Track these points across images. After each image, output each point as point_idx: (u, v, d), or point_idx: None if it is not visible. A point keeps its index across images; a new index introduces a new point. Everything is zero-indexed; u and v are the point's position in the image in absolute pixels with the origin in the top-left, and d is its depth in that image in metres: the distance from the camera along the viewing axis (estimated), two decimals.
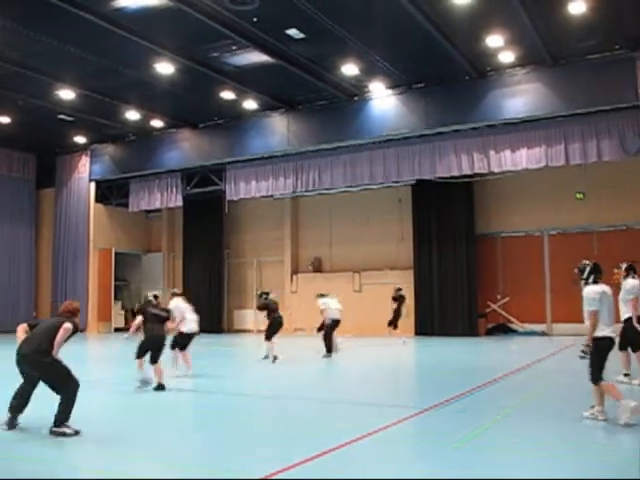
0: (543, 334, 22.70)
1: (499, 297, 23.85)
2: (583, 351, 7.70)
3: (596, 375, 7.67)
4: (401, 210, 25.55)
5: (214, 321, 27.68)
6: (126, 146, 27.43)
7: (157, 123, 24.93)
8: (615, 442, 7.19)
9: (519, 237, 24.11)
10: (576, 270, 8.21)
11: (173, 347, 13.03)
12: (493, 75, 19.98)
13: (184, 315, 12.96)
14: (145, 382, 10.94)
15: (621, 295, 10.48)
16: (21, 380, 7.61)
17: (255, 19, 15.99)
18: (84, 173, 28.32)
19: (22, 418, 7.62)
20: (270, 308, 15.77)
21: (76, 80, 20.39)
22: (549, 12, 15.94)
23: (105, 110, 23.12)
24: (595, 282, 7.92)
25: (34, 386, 7.59)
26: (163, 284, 30.07)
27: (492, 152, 20.38)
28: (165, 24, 16.40)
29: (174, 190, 26.70)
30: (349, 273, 26.23)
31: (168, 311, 11.78)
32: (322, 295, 16.81)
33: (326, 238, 27.32)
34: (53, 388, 7.48)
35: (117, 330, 28.30)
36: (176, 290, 14.49)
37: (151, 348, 10.95)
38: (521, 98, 19.63)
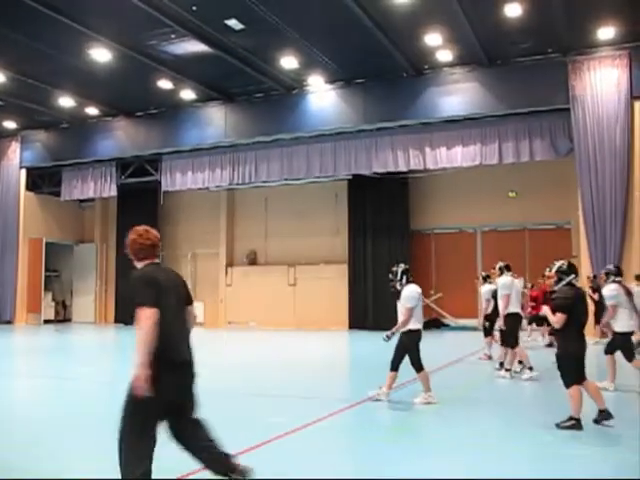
0: (475, 329, 23.11)
1: (432, 292, 24.16)
2: (387, 336, 8.84)
3: (396, 364, 8.88)
4: (337, 205, 25.64)
5: None
6: (59, 133, 26.78)
7: (92, 111, 24.41)
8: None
9: (453, 233, 24.48)
10: (390, 275, 9.18)
11: None
12: (431, 73, 20.24)
13: None
14: None
15: (498, 292, 11.36)
16: None
17: (194, 8, 15.80)
18: (14, 160, 27.52)
19: None
20: None
21: (7, 63, 19.76)
22: (486, 13, 16.24)
23: (37, 95, 22.49)
24: (408, 282, 9.04)
25: None
26: (95, 275, 29.54)
27: (428, 149, 20.66)
28: (102, 10, 16.06)
29: (108, 179, 26.23)
30: (284, 267, 26.22)
31: None
32: None
33: (262, 231, 27.24)
34: None
35: (47, 322, 27.68)
36: None
37: None
38: (457, 97, 19.96)
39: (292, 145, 22.59)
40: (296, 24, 16.80)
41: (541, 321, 16.74)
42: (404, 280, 9.06)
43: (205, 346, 15.11)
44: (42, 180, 28.09)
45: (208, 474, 5.43)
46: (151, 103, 23.75)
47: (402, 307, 8.87)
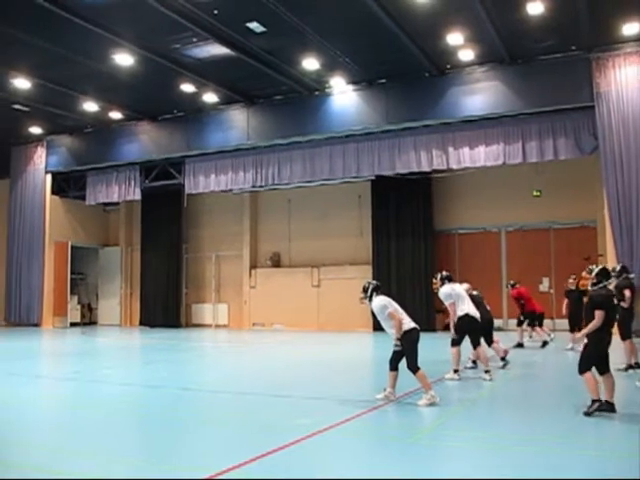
0: (499, 329, 22.95)
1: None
2: (396, 345, 9.28)
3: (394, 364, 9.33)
4: (360, 205, 25.62)
5: (172, 316, 27.48)
6: (83, 138, 27.03)
7: (116, 115, 24.60)
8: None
9: (477, 233, 24.35)
10: (362, 293, 9.78)
11: None
12: (453, 73, 20.15)
13: None
14: None
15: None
16: None
17: (216, 11, 15.87)
18: (40, 164, 27.83)
19: None
20: None
21: (32, 69, 19.99)
22: (508, 12, 16.14)
23: (62, 101, 22.73)
24: (378, 295, 9.59)
25: None
26: (120, 278, 29.76)
27: (451, 149, 20.57)
28: (125, 15, 16.19)
29: (132, 183, 26.41)
30: (308, 268, 26.23)
31: None
32: None
33: (285, 233, 27.28)
34: None
35: (73, 325, 27.94)
36: None
37: None
38: (480, 96, 19.86)
39: (314, 147, 22.60)
40: (317, 25, 16.81)
41: (534, 321, 17.02)
42: (374, 295, 9.60)
43: (231, 348, 15.17)
44: (67, 184, 28.36)
45: (238, 474, 5.46)
46: (174, 107, 23.89)
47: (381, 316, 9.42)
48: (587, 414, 7.85)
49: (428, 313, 23.42)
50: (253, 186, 24.33)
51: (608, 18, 16.73)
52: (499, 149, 19.99)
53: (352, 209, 25.86)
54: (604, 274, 8.30)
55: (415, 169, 21.37)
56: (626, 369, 11.61)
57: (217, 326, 27.67)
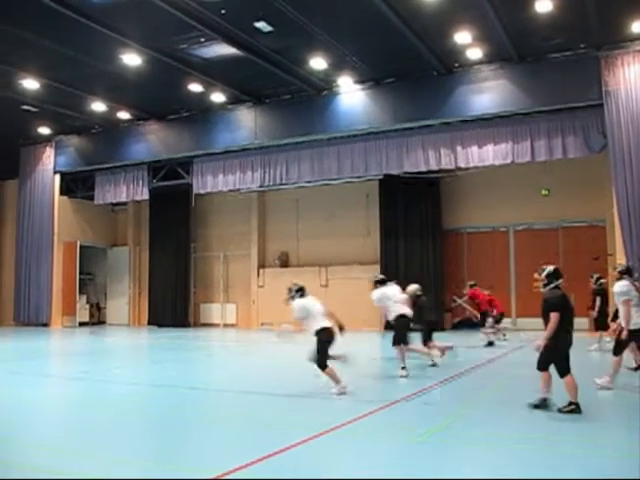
0: (506, 328, 22.89)
1: (465, 292, 23.99)
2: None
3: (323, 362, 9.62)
4: (368, 205, 25.59)
5: (180, 315, 27.52)
6: (92, 138, 27.09)
7: (123, 115, 24.65)
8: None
9: (485, 232, 24.30)
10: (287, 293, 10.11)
11: None
12: (461, 71, 20.09)
13: None
14: None
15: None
16: None
17: (223, 11, 15.87)
18: (48, 165, 27.92)
19: None
20: None
21: (40, 70, 20.05)
22: (516, 10, 16.07)
23: (70, 101, 22.78)
24: (302, 297, 10.08)
25: None
26: (129, 278, 29.81)
27: (459, 148, 20.51)
28: (132, 15, 16.20)
29: (140, 183, 26.44)
30: (316, 268, 26.21)
31: None
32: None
33: (293, 232, 27.28)
34: None
35: (82, 324, 28.01)
36: None
37: None
38: (488, 94, 19.79)
39: (322, 146, 22.58)
40: (324, 25, 16.79)
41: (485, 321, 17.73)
42: (297, 296, 10.15)
43: (239, 347, 15.17)
44: (76, 184, 28.42)
45: (244, 474, 5.45)
46: (182, 106, 23.91)
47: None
48: (535, 406, 8.17)
49: (436, 312, 23.34)
50: (261, 186, 24.33)
51: (617, 16, 16.64)
52: (507, 148, 19.91)
53: (360, 208, 25.84)
54: (554, 275, 8.30)
55: (423, 168, 21.31)
56: (636, 369, 11.53)
57: (225, 326, 27.69)
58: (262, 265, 27.65)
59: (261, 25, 16.73)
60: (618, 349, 9.91)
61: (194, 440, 7.09)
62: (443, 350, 13.56)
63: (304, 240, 27.07)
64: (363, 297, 24.57)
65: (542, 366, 8.17)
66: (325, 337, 9.81)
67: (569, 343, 8.12)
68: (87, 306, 29.76)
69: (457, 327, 23.85)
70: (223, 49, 18.29)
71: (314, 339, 9.75)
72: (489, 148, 20.15)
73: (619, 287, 9.80)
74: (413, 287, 13.97)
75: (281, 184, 24.10)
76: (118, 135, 26.12)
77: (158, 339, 22.43)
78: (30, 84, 20.92)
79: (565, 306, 8.09)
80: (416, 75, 20.37)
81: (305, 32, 17.01)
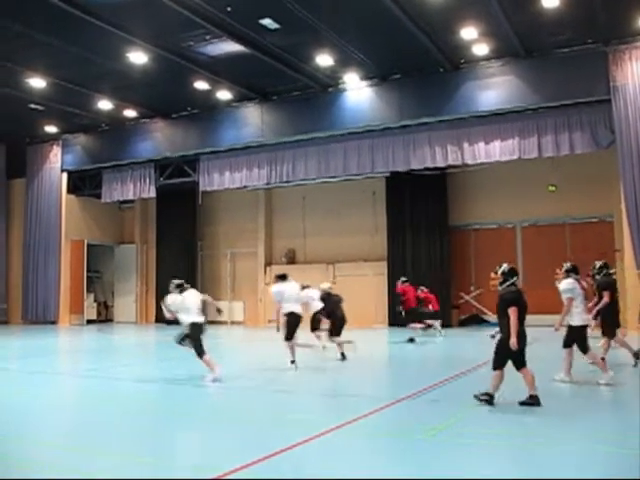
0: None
1: (472, 288, 23.98)
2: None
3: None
4: (375, 202, 25.57)
5: None
6: (98, 136, 27.14)
7: (130, 113, 24.68)
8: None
9: (492, 229, 24.24)
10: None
11: None
12: (467, 67, 20.05)
13: None
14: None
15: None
16: None
17: (229, 8, 15.87)
18: (55, 163, 27.98)
19: None
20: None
21: (47, 68, 20.09)
22: (523, 5, 16.03)
23: (77, 99, 22.83)
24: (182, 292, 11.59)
25: None
26: (136, 276, 29.85)
27: (466, 144, 20.46)
28: (138, 13, 16.23)
29: (147, 181, 26.47)
30: (323, 265, 26.20)
31: None
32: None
33: (300, 230, 27.27)
34: None
35: (89, 322, 28.08)
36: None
37: None
38: (495, 90, 19.73)
39: (329, 143, 22.55)
40: (331, 22, 16.77)
41: (416, 317, 18.44)
42: (177, 291, 11.95)
43: (250, 345, 15.17)
44: (83, 183, 28.48)
45: (246, 474, 5.43)
46: (188, 104, 23.94)
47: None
48: (521, 403, 8.30)
49: (444, 309, 23.35)
50: (268, 183, 24.34)
51: (625, 10, 16.57)
52: (514, 144, 19.86)
53: (367, 206, 25.82)
54: (509, 273, 8.52)
55: (430, 165, 21.28)
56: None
57: (232, 323, 27.70)
58: (269, 262, 27.66)
59: (267, 22, 16.73)
60: (567, 342, 10.15)
61: (197, 438, 7.09)
62: (341, 344, 14.20)
63: (311, 237, 27.07)
64: (371, 294, 24.67)
65: (499, 365, 8.33)
66: (293, 319, 11.98)
67: (525, 338, 8.28)
68: (95, 304, 29.84)
69: (464, 324, 23.84)
70: (229, 46, 18.30)
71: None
72: (496, 144, 20.10)
73: (565, 284, 10.14)
74: (325, 285, 15.23)
75: (288, 181, 24.11)
76: (125, 133, 26.16)
77: (166, 337, 22.44)
78: (37, 83, 20.98)
79: (520, 302, 8.28)
80: (422, 71, 20.34)
81: (311, 29, 17.00)
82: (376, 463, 6.10)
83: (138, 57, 18.78)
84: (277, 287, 12.89)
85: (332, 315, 14.40)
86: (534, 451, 6.32)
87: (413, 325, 18.30)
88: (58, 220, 27.67)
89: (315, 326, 15.58)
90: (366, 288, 24.80)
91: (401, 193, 24.53)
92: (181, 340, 11.76)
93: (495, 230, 24.18)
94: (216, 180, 24.90)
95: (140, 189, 26.65)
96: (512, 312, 8.14)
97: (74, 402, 9.75)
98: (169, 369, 13.10)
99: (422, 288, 19.55)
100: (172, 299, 11.94)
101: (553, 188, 22.42)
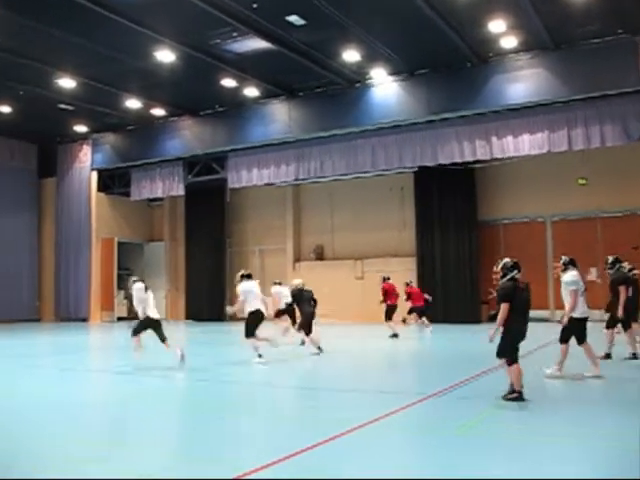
0: (546, 320, 22.64)
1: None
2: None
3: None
4: (403, 197, 25.50)
5: (216, 309, 27.69)
6: (127, 135, 27.37)
7: (158, 111, 24.84)
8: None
9: (521, 223, 24.06)
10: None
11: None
12: (495, 61, 19.85)
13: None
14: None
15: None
16: None
17: (255, 5, 15.89)
18: (85, 162, 28.29)
19: None
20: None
21: (76, 69, 20.31)
22: None
23: (106, 99, 23.04)
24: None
25: None
26: (166, 273, 30.06)
27: (494, 138, 20.30)
28: (165, 12, 16.33)
29: (176, 179, 26.64)
30: (351, 261, 26.20)
31: None
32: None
33: (328, 226, 27.28)
34: None
35: (120, 319, 28.34)
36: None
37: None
38: (523, 83, 19.52)
39: (356, 139, 22.49)
40: (357, 17, 16.71)
41: (390, 314, 18.90)
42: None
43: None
44: (112, 181, 28.78)
45: (267, 474, 5.43)
46: (216, 102, 24.03)
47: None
48: (505, 398, 8.26)
49: (473, 305, 23.27)
50: (296, 179, 24.37)
51: None
52: (544, 137, 19.64)
53: (395, 201, 25.75)
54: (510, 267, 8.51)
55: (458, 160, 21.14)
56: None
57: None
58: (297, 259, 27.71)
59: (293, 19, 16.73)
60: (564, 337, 10.12)
61: (220, 435, 7.08)
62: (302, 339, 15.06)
63: (339, 233, 27.07)
64: (399, 290, 24.56)
65: (508, 358, 8.30)
66: (255, 317, 12.58)
67: (522, 333, 8.34)
68: (125, 301, 30.05)
69: (493, 319, 23.62)
70: (256, 43, 18.32)
71: None
72: (525, 138, 19.91)
73: (569, 277, 10.12)
74: (296, 281, 15.73)
75: (315, 177, 24.11)
76: (153, 131, 26.34)
77: (196, 333, 22.61)
78: (66, 83, 21.20)
79: (517, 297, 8.27)
80: (450, 66, 20.19)
81: (337, 25, 16.96)
82: (407, 461, 6.08)
83: (165, 56, 18.89)
84: (244, 286, 13.15)
85: (301, 310, 15.04)
86: (566, 448, 6.26)
87: (389, 323, 18.67)
88: (88, 218, 27.99)
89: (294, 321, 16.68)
90: (395, 284, 24.69)
91: (429, 188, 24.43)
92: (134, 332, 13.09)
93: (525, 225, 23.99)
94: (244, 177, 24.97)
95: (169, 187, 26.83)
96: (503, 307, 8.21)
97: (105, 399, 9.83)
98: (199, 365, 13.16)
99: (408, 282, 20.76)
100: (242, 287, 12.93)
101: (583, 181, 22.17)
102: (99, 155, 28.09)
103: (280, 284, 17.72)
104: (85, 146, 28.30)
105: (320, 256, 27.35)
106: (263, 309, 13.01)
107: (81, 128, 27.08)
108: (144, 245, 30.92)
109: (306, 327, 14.48)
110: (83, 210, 28.15)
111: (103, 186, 28.69)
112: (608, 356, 12.08)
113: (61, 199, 29.02)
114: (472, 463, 5.78)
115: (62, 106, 23.81)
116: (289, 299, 16.30)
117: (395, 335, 18.27)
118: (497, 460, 5.92)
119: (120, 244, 28.85)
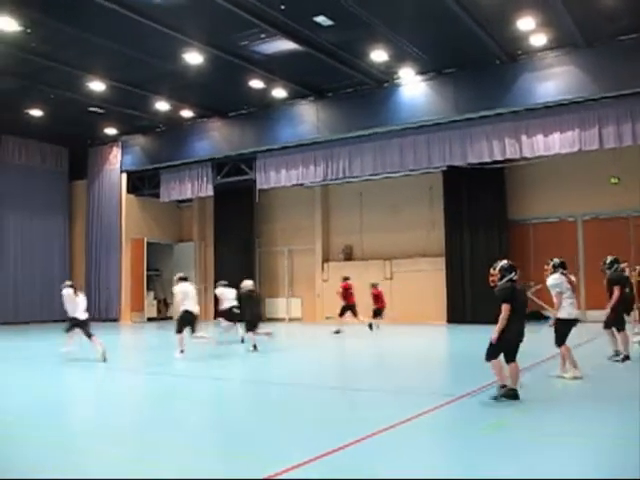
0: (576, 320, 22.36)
1: (532, 284, 23.54)
2: None
3: None
4: (432, 197, 25.39)
5: None
6: (156, 137, 27.58)
7: (187, 113, 24.99)
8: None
9: (552, 223, 23.81)
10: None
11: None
12: (524, 59, 19.66)
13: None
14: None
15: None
16: None
17: (282, 6, 15.91)
18: (115, 164, 28.57)
19: None
20: None
21: (106, 72, 20.52)
22: None
23: (135, 101, 23.24)
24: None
25: None
26: (195, 273, 30.23)
27: (524, 137, 20.11)
28: (193, 14, 16.41)
29: (205, 180, 26.78)
30: (380, 261, 26.14)
31: None
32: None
33: (357, 226, 27.26)
34: None
35: (150, 320, 28.56)
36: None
37: None
38: (553, 81, 19.30)
39: (385, 139, 22.43)
40: (384, 16, 16.65)
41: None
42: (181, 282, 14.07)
43: (304, 341, 15.24)
44: (142, 183, 29.02)
45: (298, 473, 5.42)
46: (244, 103, 24.10)
47: None
48: (495, 399, 8.36)
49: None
50: (324, 180, 24.37)
51: None
52: (574, 135, 19.41)
53: (423, 201, 25.65)
54: (507, 269, 8.62)
55: (487, 159, 20.98)
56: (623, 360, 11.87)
57: (290, 320, 27.85)
58: (326, 259, 27.72)
59: (321, 19, 16.72)
60: (559, 339, 10.15)
61: (250, 436, 7.11)
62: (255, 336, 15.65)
63: (368, 233, 27.03)
64: (428, 290, 24.51)
65: (491, 357, 8.43)
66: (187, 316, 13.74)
67: (520, 334, 8.45)
68: (155, 302, 30.32)
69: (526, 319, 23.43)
70: (283, 45, 18.34)
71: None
72: (555, 136, 19.69)
73: (551, 280, 10.38)
74: (247, 282, 16.45)
75: (344, 178, 24.10)
76: (182, 133, 26.50)
77: (222, 333, 22.67)
78: (96, 86, 21.42)
79: (515, 298, 8.39)
80: (478, 64, 20.02)
81: (365, 25, 16.92)
82: (435, 461, 6.05)
83: (194, 57, 18.98)
84: (181, 287, 14.18)
85: (249, 312, 15.94)
86: (600, 449, 6.19)
87: (359, 318, 20.53)
88: (118, 220, 28.26)
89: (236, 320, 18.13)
90: (423, 284, 24.65)
91: (458, 188, 24.29)
92: (68, 329, 14.50)
93: (555, 224, 23.75)
94: (273, 178, 25.03)
95: (198, 188, 26.98)
96: (504, 309, 8.30)
97: (136, 399, 9.91)
98: (228, 366, 13.22)
99: (374, 284, 21.83)
100: (180, 289, 14.22)
101: (615, 180, 21.90)
102: (129, 157, 28.35)
103: (225, 285, 18.90)
104: (115, 148, 28.57)
105: (349, 256, 27.33)
106: (196, 310, 14.20)
107: (111, 130, 27.35)
108: (173, 246, 31.13)
109: (252, 327, 15.46)
110: (113, 212, 28.44)
111: (133, 188, 28.95)
112: (627, 358, 11.93)
113: (92, 201, 29.34)
114: (495, 464, 5.74)
115: (92, 109, 24.07)
116: (233, 302, 17.97)
117: (337, 332, 20.03)
118: (519, 462, 5.87)
119: (149, 245, 29.07)
